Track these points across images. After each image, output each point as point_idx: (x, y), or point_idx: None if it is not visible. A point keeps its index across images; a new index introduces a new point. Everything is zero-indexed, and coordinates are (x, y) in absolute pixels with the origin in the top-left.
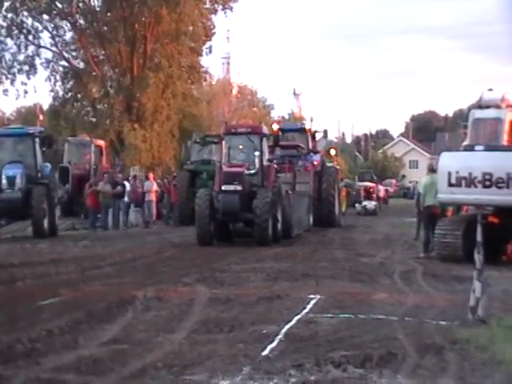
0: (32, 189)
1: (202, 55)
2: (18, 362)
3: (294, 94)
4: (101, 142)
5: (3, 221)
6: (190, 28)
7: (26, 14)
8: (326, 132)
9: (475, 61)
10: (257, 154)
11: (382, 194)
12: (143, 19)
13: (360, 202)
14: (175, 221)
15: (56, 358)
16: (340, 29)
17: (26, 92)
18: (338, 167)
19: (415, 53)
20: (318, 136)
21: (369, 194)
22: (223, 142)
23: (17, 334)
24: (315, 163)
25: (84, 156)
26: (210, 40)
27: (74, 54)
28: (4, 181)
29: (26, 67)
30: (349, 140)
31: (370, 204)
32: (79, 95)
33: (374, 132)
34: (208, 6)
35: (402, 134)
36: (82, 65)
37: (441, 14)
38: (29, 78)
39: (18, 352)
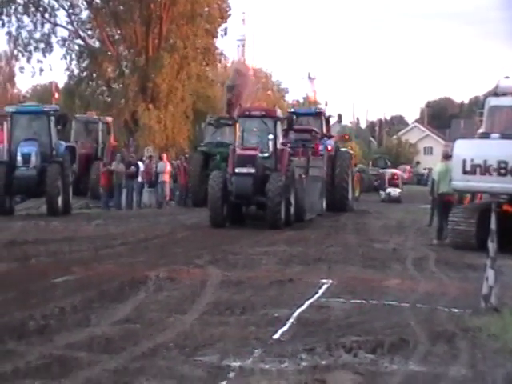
0: (47, 167)
1: (217, 37)
2: (30, 338)
3: (309, 77)
4: (108, 119)
5: (18, 198)
6: (206, 9)
7: None
8: (340, 117)
9: (492, 47)
10: (271, 137)
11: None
12: (159, 0)
13: (384, 189)
14: (182, 201)
15: (68, 335)
16: (356, 13)
17: (41, 70)
18: (351, 152)
19: (432, 38)
20: (333, 121)
21: (393, 181)
22: (237, 125)
23: (30, 310)
24: (329, 148)
25: (91, 134)
26: (226, 22)
27: (89, 33)
28: (19, 158)
29: (42, 45)
30: (363, 125)
31: (395, 191)
32: (94, 74)
33: (388, 118)
34: None
35: (416, 120)
36: (97, 44)
37: None
38: (44, 56)
39: (30, 329)
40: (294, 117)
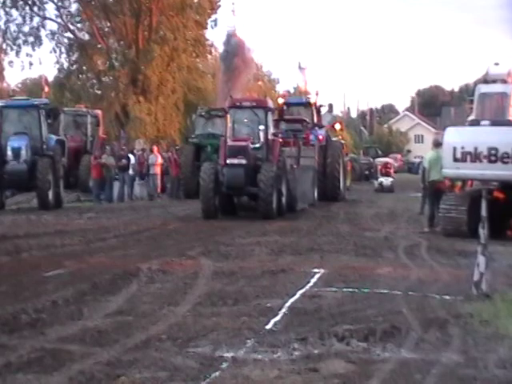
0: (37, 160)
1: (207, 28)
2: (22, 332)
3: (300, 67)
4: (98, 112)
5: (9, 192)
6: (196, 1)
7: None
8: (331, 106)
9: (482, 34)
10: (262, 127)
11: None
12: None
13: (376, 179)
14: (174, 194)
15: (61, 328)
16: (346, 1)
17: (31, 64)
18: (343, 142)
19: (421, 26)
20: (323, 110)
21: (386, 170)
22: (228, 116)
23: (22, 304)
24: (320, 138)
25: (80, 127)
26: (216, 13)
27: (79, 25)
28: (9, 152)
29: (31, 39)
30: (354, 114)
31: (387, 180)
32: (84, 67)
33: (379, 106)
34: None
35: (407, 109)
36: (87, 37)
37: None
38: (34, 50)
39: (22, 322)
40: (285, 107)
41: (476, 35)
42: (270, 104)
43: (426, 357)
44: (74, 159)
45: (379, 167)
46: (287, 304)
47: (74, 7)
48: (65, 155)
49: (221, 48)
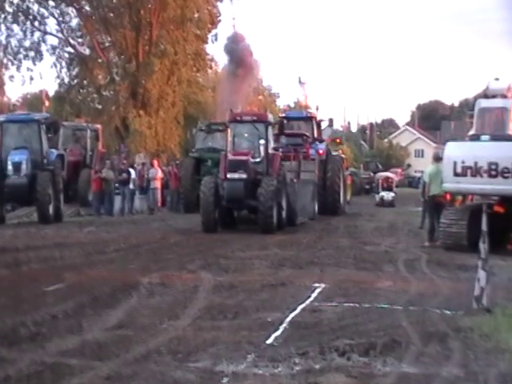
0: (37, 174)
1: (207, 42)
2: (22, 345)
3: (300, 82)
4: (97, 127)
5: (9, 206)
6: (196, 15)
7: (32, 0)
8: (331, 121)
9: (482, 49)
10: (262, 141)
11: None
12: (148, 5)
13: (378, 193)
14: (174, 207)
15: (60, 342)
16: (346, 17)
17: (31, 78)
18: (343, 156)
19: (421, 41)
20: (324, 125)
21: (388, 184)
22: (228, 130)
23: (21, 317)
24: (320, 152)
25: (79, 141)
26: (216, 27)
27: (79, 40)
28: (10, 167)
29: (32, 53)
30: (354, 129)
31: (388, 195)
32: (85, 81)
33: (379, 121)
34: None
35: (407, 123)
36: (87, 51)
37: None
38: (34, 64)
39: (22, 335)
40: (285, 121)
41: (476, 49)
42: (271, 118)
43: (426, 371)
44: (73, 173)
45: (380, 181)
46: (288, 318)
47: (74, 22)
48: (64, 169)
49: (221, 62)
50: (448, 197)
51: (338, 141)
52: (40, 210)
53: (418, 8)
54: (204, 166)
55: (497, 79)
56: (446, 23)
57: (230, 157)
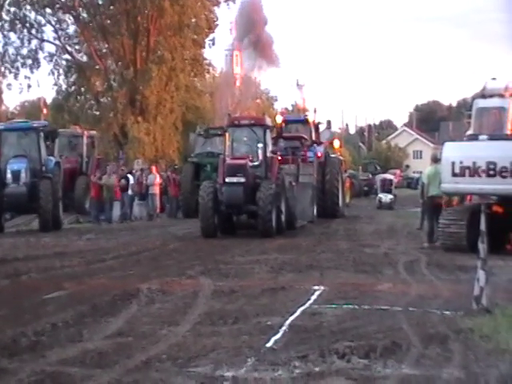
0: (37, 183)
1: (204, 47)
2: (22, 355)
3: (298, 85)
4: (93, 133)
5: (8, 215)
6: (193, 20)
7: (28, 7)
8: (329, 123)
9: (479, 50)
10: (260, 145)
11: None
12: (146, 12)
13: (377, 195)
14: (173, 213)
15: (61, 351)
16: (343, 19)
17: (29, 86)
18: (341, 158)
19: (418, 42)
20: (322, 127)
21: (388, 187)
22: (227, 134)
23: (21, 327)
24: (319, 154)
25: (75, 149)
26: (213, 32)
27: (77, 47)
28: (9, 175)
29: (29, 61)
30: (352, 131)
31: (386, 197)
32: (82, 89)
33: (377, 122)
34: None
35: (405, 124)
36: (85, 58)
37: (446, 1)
38: (32, 72)
39: (22, 345)
40: (283, 124)
41: (473, 50)
42: (269, 122)
43: (426, 373)
44: (70, 180)
45: (380, 183)
46: (287, 322)
47: (71, 29)
48: (60, 176)
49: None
50: (445, 198)
51: (337, 141)
52: (42, 218)
53: (416, 9)
54: (203, 171)
55: (494, 79)
56: (443, 24)
57: (229, 161)
